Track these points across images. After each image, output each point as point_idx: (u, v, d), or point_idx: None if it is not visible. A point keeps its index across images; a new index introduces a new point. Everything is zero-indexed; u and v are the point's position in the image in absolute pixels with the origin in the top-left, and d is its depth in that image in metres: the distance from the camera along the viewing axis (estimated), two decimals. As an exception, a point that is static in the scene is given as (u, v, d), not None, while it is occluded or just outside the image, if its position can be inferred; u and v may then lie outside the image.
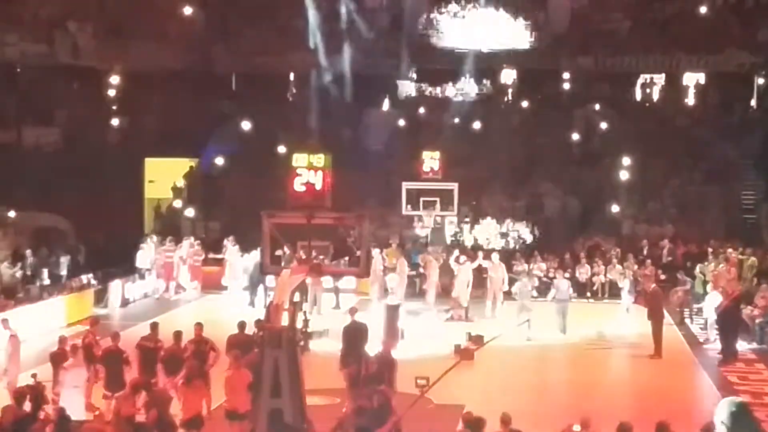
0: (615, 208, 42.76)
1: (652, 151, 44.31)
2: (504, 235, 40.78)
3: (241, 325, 20.93)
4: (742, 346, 27.82)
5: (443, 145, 39.67)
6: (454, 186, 35.28)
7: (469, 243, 38.99)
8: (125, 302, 34.65)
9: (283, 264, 19.18)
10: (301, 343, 17.33)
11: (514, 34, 46.61)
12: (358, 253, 19.05)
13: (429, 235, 37.00)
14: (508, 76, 48.39)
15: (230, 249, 36.75)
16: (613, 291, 36.02)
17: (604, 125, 47.61)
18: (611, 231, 41.48)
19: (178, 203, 44.21)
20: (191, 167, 46.18)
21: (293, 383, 16.66)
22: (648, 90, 48.89)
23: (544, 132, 45.92)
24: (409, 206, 35.42)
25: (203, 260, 37.81)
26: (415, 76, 49.42)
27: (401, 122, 48.51)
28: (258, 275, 33.46)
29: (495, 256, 33.70)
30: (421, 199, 35.08)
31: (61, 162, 43.18)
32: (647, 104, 49.01)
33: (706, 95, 46.89)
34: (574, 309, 31.06)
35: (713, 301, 28.99)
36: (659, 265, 35.85)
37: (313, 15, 45.80)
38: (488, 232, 40.89)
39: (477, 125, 47.44)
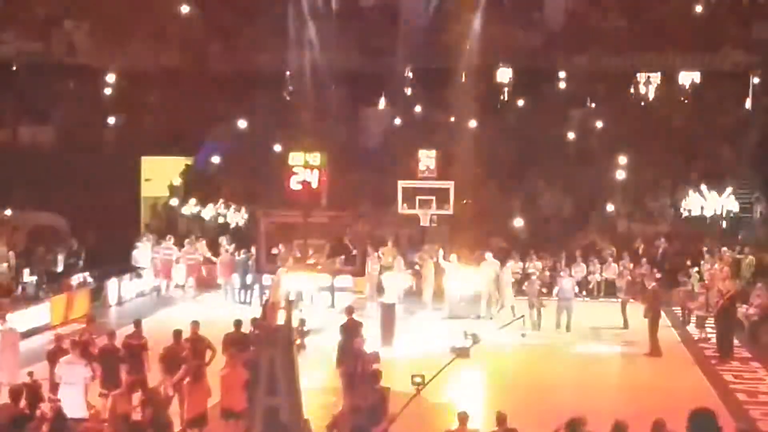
0: (610, 207, 42.81)
1: (648, 150, 44.36)
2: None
3: (237, 324, 20.95)
4: (736, 344, 27.89)
5: (439, 144, 39.72)
6: (450, 184, 35.29)
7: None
8: (121, 300, 34.68)
9: (278, 262, 19.20)
10: (297, 341, 17.32)
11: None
12: (354, 251, 19.08)
13: (425, 233, 37.00)
14: (504, 74, 48.39)
15: (226, 247, 36.75)
16: (608, 289, 36.08)
17: (599, 124, 47.65)
18: (607, 230, 41.50)
19: (174, 202, 44.20)
20: (187, 166, 46.17)
21: (289, 381, 16.69)
22: (643, 89, 48.91)
23: (539, 131, 45.91)
24: (405, 205, 35.42)
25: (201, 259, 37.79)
26: (410, 74, 49.41)
27: (397, 120, 48.54)
28: (254, 273, 33.54)
29: (488, 255, 33.74)
30: (417, 197, 35.07)
31: (58, 160, 43.16)
32: (642, 103, 49.03)
33: (702, 94, 46.91)
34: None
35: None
36: (654, 263, 35.86)
37: (308, 13, 45.88)
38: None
39: (473, 124, 47.47)
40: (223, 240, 37.29)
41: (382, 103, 50.19)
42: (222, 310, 31.09)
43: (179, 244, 37.60)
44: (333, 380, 20.83)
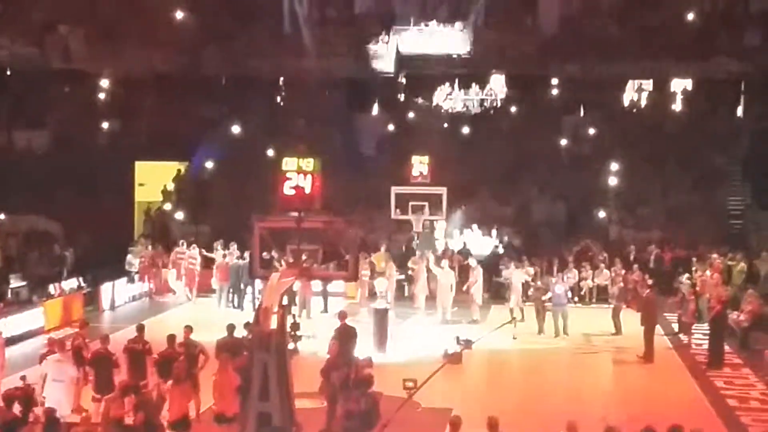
0: (602, 214, 42.94)
1: (640, 157, 44.50)
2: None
3: (230, 328, 21.00)
4: (727, 350, 27.97)
5: (432, 150, 39.79)
6: (443, 190, 35.36)
7: (457, 247, 39.03)
8: (114, 305, 34.71)
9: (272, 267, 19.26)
10: (290, 346, 17.38)
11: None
12: (347, 257, 19.14)
13: (418, 239, 37.04)
14: (497, 81, 48.51)
15: (220, 252, 36.80)
16: (600, 295, 36.18)
17: (592, 131, 47.80)
18: (599, 236, 41.59)
19: (168, 206, 44.25)
20: (179, 171, 46.21)
21: (282, 386, 16.77)
22: (636, 96, 49.03)
23: (532, 137, 46.04)
24: (398, 210, 35.49)
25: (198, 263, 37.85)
26: (404, 81, 49.51)
27: (390, 127, 48.65)
28: (247, 278, 33.59)
29: (472, 261, 33.88)
30: (410, 203, 35.13)
31: (52, 165, 43.23)
32: (635, 110, 49.17)
33: (694, 102, 47.05)
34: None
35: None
36: (646, 270, 35.96)
37: (302, 19, 46.01)
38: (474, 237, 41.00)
39: (466, 130, 47.62)
40: (217, 245, 37.35)
41: (375, 108, 50.28)
42: (215, 315, 31.16)
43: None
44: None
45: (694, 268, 34.65)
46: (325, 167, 18.04)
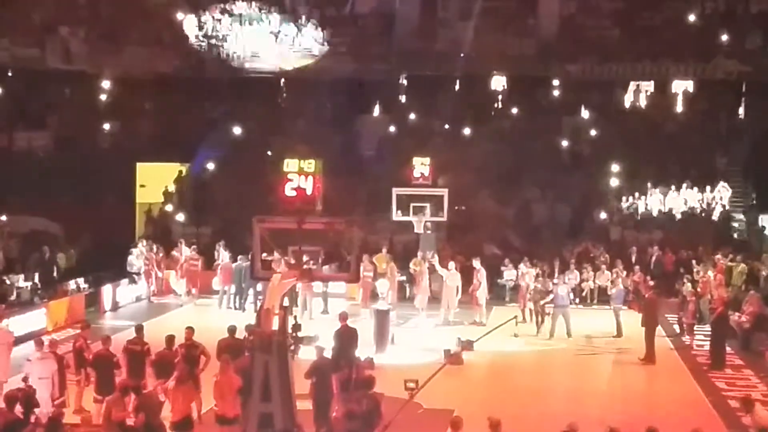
0: (603, 215, 42.95)
1: (641, 158, 44.53)
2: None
3: (232, 330, 21.02)
4: (729, 352, 27.99)
5: (433, 151, 39.82)
6: (444, 192, 35.36)
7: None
8: (116, 306, 34.74)
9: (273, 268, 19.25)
10: (291, 347, 17.38)
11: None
12: (348, 258, 19.14)
13: (420, 240, 37.06)
14: (498, 82, 48.50)
15: (221, 253, 36.83)
16: (601, 297, 36.18)
17: (593, 132, 47.83)
18: (600, 237, 41.61)
19: (169, 208, 44.27)
20: (180, 172, 46.24)
21: (283, 388, 16.77)
22: (637, 97, 49.02)
23: (533, 138, 46.06)
24: (399, 212, 35.48)
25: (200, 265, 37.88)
26: (405, 81, 49.48)
27: (391, 128, 48.65)
28: (248, 280, 33.61)
29: (476, 262, 33.86)
30: (412, 204, 35.12)
31: (53, 166, 43.25)
32: (636, 111, 49.15)
33: (695, 103, 47.04)
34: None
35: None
36: (647, 271, 35.98)
37: (303, 20, 46.01)
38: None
39: (467, 131, 47.62)
40: (219, 246, 37.38)
41: (376, 110, 50.29)
42: (216, 316, 31.19)
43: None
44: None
45: (695, 270, 34.65)
46: (326, 168, 18.04)
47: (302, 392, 18.48)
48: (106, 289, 34.73)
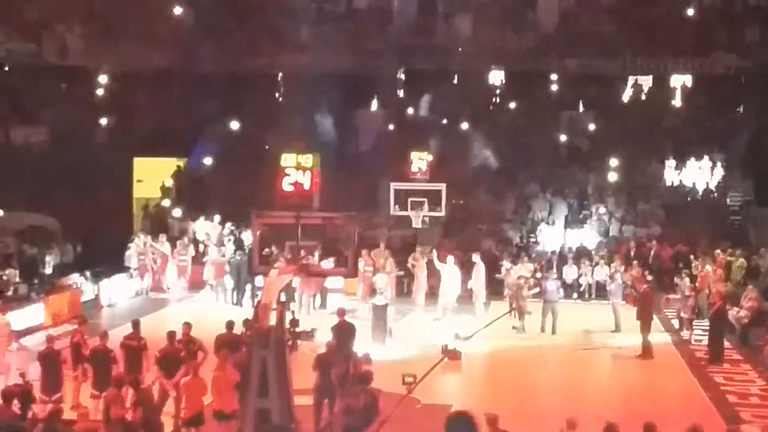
0: (602, 209, 42.89)
1: (639, 153, 44.50)
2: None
3: (230, 325, 20.97)
4: (727, 346, 27.97)
5: (431, 146, 39.79)
6: (442, 186, 35.32)
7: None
8: (113, 301, 34.70)
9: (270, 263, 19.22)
10: (289, 342, 17.34)
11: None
12: (346, 253, 19.10)
13: (417, 235, 37.04)
14: (496, 77, 48.43)
15: (217, 248, 36.79)
16: (599, 292, 36.16)
17: (591, 126, 47.80)
18: (598, 232, 41.59)
19: (166, 203, 44.21)
20: (178, 167, 46.18)
21: (281, 383, 16.74)
22: (635, 92, 48.98)
23: (531, 133, 46.04)
24: (397, 206, 35.44)
25: (192, 259, 37.77)
26: (403, 76, 49.43)
27: (389, 123, 48.61)
28: (246, 274, 33.59)
29: (476, 256, 33.80)
30: (409, 199, 35.09)
31: (50, 161, 43.17)
32: (634, 106, 49.08)
33: (693, 97, 47.00)
34: (562, 309, 31.14)
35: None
36: (646, 265, 35.96)
37: (301, 15, 45.93)
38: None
39: (465, 126, 47.57)
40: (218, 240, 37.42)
41: (374, 105, 50.25)
42: (214, 311, 31.15)
43: (172, 246, 37.67)
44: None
45: (693, 264, 34.62)
46: (324, 163, 17.99)
47: (300, 387, 18.44)
48: (104, 285, 34.69)
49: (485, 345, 28.39)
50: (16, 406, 16.60)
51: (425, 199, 34.74)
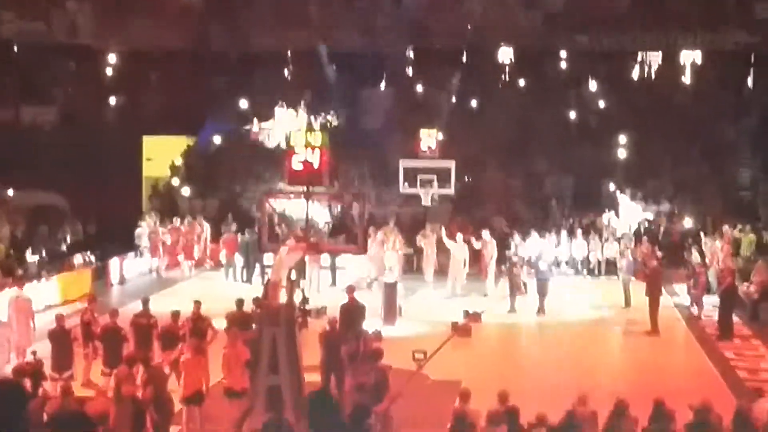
0: (611, 186, 42.82)
1: (649, 129, 44.38)
2: None
3: (240, 303, 21.01)
4: (737, 321, 27.96)
5: (440, 124, 39.74)
6: (452, 164, 35.29)
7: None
8: (123, 280, 34.78)
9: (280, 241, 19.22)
10: (299, 320, 17.37)
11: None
12: (356, 231, 19.14)
13: (427, 212, 37.03)
14: (505, 54, 48.30)
15: (229, 226, 36.83)
16: (609, 268, 36.15)
17: (601, 103, 47.67)
18: (608, 208, 41.51)
19: (175, 181, 44.23)
20: (188, 146, 46.17)
21: (291, 360, 16.78)
22: (645, 68, 48.81)
23: (541, 110, 45.93)
24: (406, 184, 35.43)
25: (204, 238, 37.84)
26: (412, 54, 49.32)
27: (399, 100, 48.51)
28: (256, 253, 33.61)
29: (486, 233, 33.76)
30: (419, 177, 35.07)
31: (59, 140, 43.24)
32: (644, 83, 48.93)
33: (703, 73, 46.82)
34: (573, 285, 31.15)
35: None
36: (656, 241, 35.91)
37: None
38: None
39: (474, 103, 47.48)
40: (228, 219, 37.43)
41: (383, 82, 50.16)
42: (224, 289, 31.20)
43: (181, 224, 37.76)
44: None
45: (703, 240, 34.56)
46: (333, 141, 17.99)
47: (310, 364, 18.50)
48: (114, 263, 34.75)
49: (494, 322, 28.43)
50: (27, 383, 16.66)
51: (434, 177, 34.73)
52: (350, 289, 22.85)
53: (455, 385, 18.05)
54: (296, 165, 17.63)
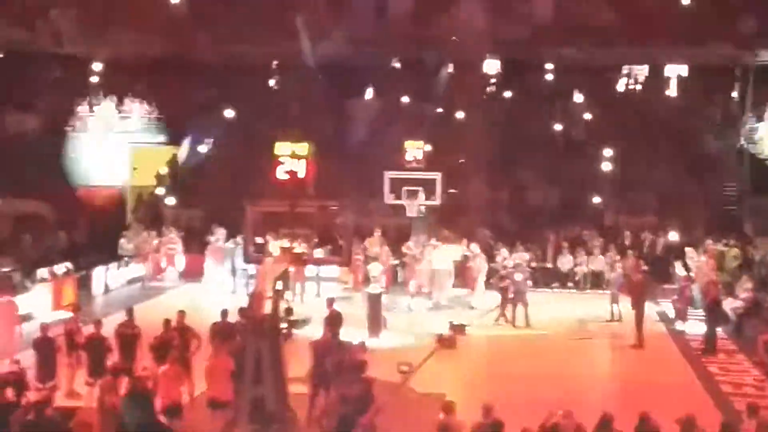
0: (597, 199, 42.86)
1: (635, 142, 44.43)
2: None
3: (224, 313, 20.94)
4: (723, 336, 27.98)
5: (426, 135, 39.71)
6: (437, 175, 35.28)
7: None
8: (108, 289, 34.64)
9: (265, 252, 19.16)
10: (284, 331, 17.32)
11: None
12: (341, 241, 19.09)
13: (412, 224, 37.00)
14: (492, 66, 48.29)
15: (214, 236, 36.73)
16: (595, 281, 36.16)
17: (586, 116, 47.71)
18: (594, 222, 41.56)
19: (161, 191, 44.11)
20: (174, 155, 46.05)
21: (276, 371, 16.72)
22: (630, 81, 48.86)
23: (527, 122, 45.94)
24: (392, 195, 35.41)
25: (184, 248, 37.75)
26: (398, 65, 49.26)
27: (384, 112, 48.46)
28: (240, 263, 33.52)
29: (474, 246, 33.75)
30: (404, 188, 35.06)
31: (44, 148, 43.05)
32: (629, 96, 48.99)
33: (689, 87, 46.90)
34: (558, 299, 31.12)
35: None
36: (641, 256, 35.93)
37: (296, 3, 45.76)
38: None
39: (460, 115, 47.46)
40: (213, 228, 37.37)
41: (369, 93, 50.12)
42: (208, 300, 31.11)
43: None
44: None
45: (688, 255, 34.58)
46: (319, 151, 17.95)
47: (294, 375, 18.41)
48: (98, 273, 34.62)
49: (480, 334, 28.39)
50: (10, 392, 16.54)
51: (420, 188, 34.73)
52: (330, 301, 22.79)
53: (439, 398, 18.00)
54: (281, 175, 17.60)
